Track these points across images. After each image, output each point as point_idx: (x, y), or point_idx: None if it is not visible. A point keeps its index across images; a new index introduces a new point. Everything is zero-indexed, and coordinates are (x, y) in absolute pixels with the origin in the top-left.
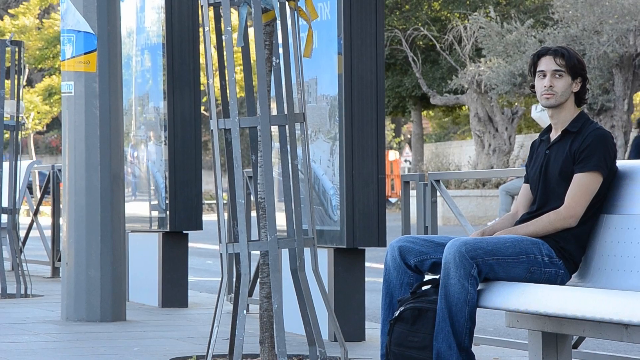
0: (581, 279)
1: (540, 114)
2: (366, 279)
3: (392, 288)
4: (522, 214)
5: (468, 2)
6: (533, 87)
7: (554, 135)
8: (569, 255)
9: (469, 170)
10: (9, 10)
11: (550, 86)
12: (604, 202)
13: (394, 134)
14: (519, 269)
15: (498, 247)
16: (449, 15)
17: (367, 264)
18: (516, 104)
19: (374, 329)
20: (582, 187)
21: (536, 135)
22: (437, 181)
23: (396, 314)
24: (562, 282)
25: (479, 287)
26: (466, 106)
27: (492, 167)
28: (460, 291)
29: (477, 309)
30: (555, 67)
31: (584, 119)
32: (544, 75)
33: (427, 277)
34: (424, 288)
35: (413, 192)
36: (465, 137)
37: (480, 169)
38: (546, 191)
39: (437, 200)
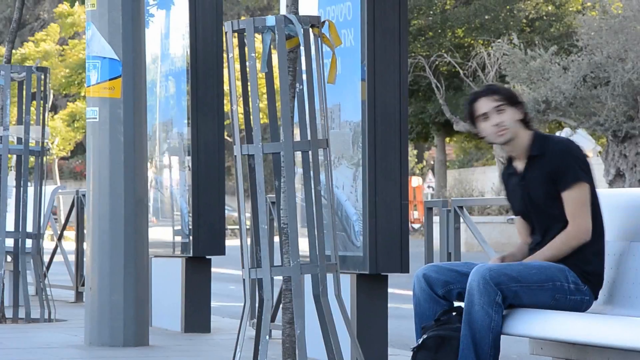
0: (607, 305)
1: None
2: (389, 305)
3: (425, 319)
4: (530, 244)
5: (492, 29)
6: (477, 135)
7: (519, 165)
8: (594, 276)
9: (493, 197)
10: (30, 38)
11: (499, 124)
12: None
13: (416, 160)
14: (544, 295)
15: (523, 273)
16: (472, 42)
17: (389, 290)
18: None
19: (396, 355)
20: (576, 201)
21: None
22: (461, 207)
23: (419, 342)
24: (588, 307)
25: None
26: None
27: None
28: (484, 318)
29: (502, 336)
30: (494, 104)
31: (541, 138)
32: (487, 117)
33: (456, 304)
34: (447, 316)
35: (436, 219)
36: (488, 163)
37: (503, 195)
38: (542, 218)
39: (460, 227)
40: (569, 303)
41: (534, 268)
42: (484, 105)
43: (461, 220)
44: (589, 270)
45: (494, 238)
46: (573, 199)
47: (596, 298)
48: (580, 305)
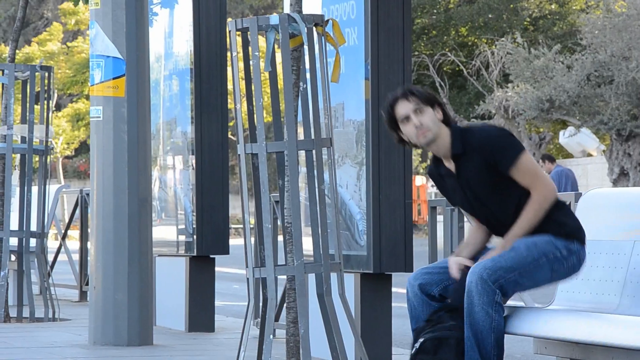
0: (612, 305)
1: (567, 140)
2: (393, 304)
3: (421, 323)
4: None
5: (495, 28)
6: (400, 141)
7: (449, 165)
8: (576, 230)
9: None
10: (33, 39)
11: (420, 124)
12: None
13: (420, 159)
14: (543, 272)
15: (517, 260)
16: (476, 40)
17: (393, 289)
18: (544, 129)
19: (400, 355)
20: (527, 169)
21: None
22: None
23: (416, 346)
24: (582, 263)
25: (505, 313)
26: None
27: None
28: (485, 318)
29: (505, 335)
30: (413, 106)
31: (459, 133)
32: (408, 119)
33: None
34: (438, 315)
35: (440, 217)
36: None
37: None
38: (492, 211)
39: (464, 226)
40: (567, 269)
41: (523, 250)
42: (403, 108)
43: (465, 219)
44: (568, 229)
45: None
46: (523, 169)
47: (585, 250)
48: (577, 266)
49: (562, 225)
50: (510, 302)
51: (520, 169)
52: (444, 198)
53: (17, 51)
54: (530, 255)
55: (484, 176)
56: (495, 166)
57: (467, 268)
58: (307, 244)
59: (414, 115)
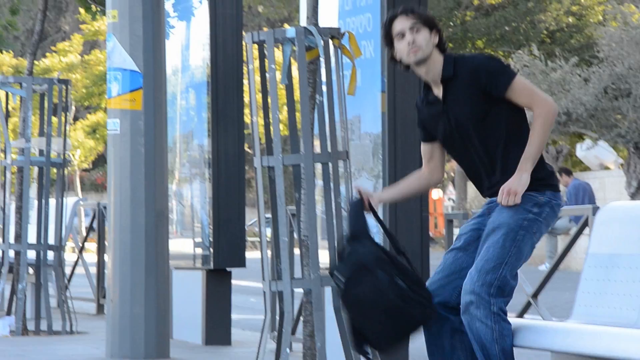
0: (630, 319)
1: (585, 153)
2: None
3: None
4: (485, 184)
5: (512, 40)
6: (392, 58)
7: (437, 91)
8: (542, 177)
9: None
10: (52, 48)
11: (413, 41)
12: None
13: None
14: (526, 244)
15: (499, 253)
16: (492, 53)
17: None
18: (561, 142)
19: None
20: (523, 88)
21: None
22: None
23: (341, 287)
24: (556, 208)
25: (516, 325)
26: None
27: None
28: (486, 331)
29: (523, 350)
30: (410, 24)
31: (451, 58)
32: (403, 35)
33: None
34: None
35: (456, 231)
36: None
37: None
38: (478, 144)
39: None
40: (545, 223)
41: (499, 240)
42: (400, 24)
43: None
44: (536, 182)
45: None
46: (520, 88)
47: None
48: (552, 214)
49: (534, 172)
50: (527, 316)
51: (516, 89)
52: (461, 211)
53: (35, 63)
54: (508, 239)
55: (474, 102)
56: (487, 93)
57: (361, 201)
58: (324, 257)
59: (409, 32)
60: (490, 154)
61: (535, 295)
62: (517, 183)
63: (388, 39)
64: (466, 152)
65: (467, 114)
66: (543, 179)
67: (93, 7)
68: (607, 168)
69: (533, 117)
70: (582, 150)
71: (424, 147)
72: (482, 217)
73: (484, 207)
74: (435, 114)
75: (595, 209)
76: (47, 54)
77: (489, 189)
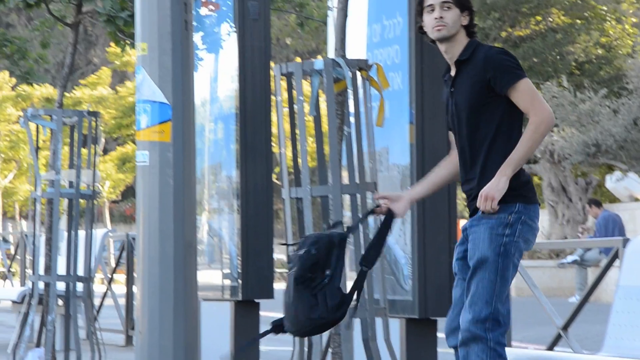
0: None
1: (614, 185)
2: (438, 349)
3: None
4: (461, 179)
5: (541, 72)
6: (421, 28)
7: (452, 72)
8: (512, 189)
9: (543, 241)
10: (81, 81)
11: (441, 17)
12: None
13: (465, 203)
14: (508, 268)
15: (486, 288)
16: None
17: (439, 335)
18: (590, 174)
19: None
20: (526, 92)
21: (612, 206)
22: None
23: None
24: (532, 219)
25: (546, 358)
26: (539, 176)
27: (565, 238)
28: None
29: None
30: (442, 0)
31: (474, 45)
32: (433, 9)
33: None
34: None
35: None
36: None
37: (554, 239)
38: (467, 134)
39: None
40: (523, 239)
41: (482, 274)
42: None
43: None
44: (512, 184)
45: (544, 282)
46: (522, 90)
47: (537, 202)
48: (529, 226)
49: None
50: (557, 349)
51: (519, 90)
52: None
53: (65, 95)
54: (491, 272)
55: (475, 91)
56: (491, 86)
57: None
58: None
59: (439, 7)
60: (474, 146)
61: (565, 328)
62: (495, 188)
63: (419, 8)
64: (460, 138)
65: (465, 99)
66: (514, 189)
67: (122, 40)
68: (637, 199)
69: (528, 123)
70: (612, 182)
71: (450, 132)
72: (463, 244)
73: (462, 234)
74: (446, 95)
75: (626, 241)
76: (78, 86)
77: (464, 183)
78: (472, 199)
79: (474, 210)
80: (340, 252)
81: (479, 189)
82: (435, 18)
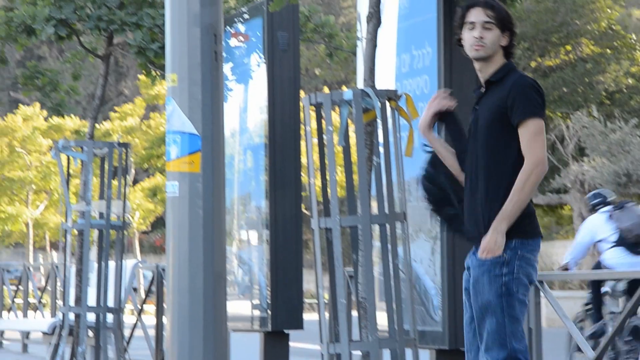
0: None
1: None
2: None
3: None
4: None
5: (571, 101)
6: (459, 41)
7: (483, 89)
8: (526, 219)
9: (574, 271)
10: (117, 108)
11: (481, 37)
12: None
13: None
14: (515, 305)
15: (498, 331)
16: (551, 114)
17: None
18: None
19: None
20: (530, 134)
21: None
22: (541, 282)
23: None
24: (530, 253)
25: None
26: (569, 206)
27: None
28: None
29: None
30: (485, 19)
31: (508, 68)
32: (473, 27)
33: None
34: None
35: None
36: (568, 237)
37: (585, 269)
38: (475, 146)
39: (541, 302)
40: (524, 274)
41: (490, 319)
42: (476, 15)
43: (541, 294)
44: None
45: (575, 313)
46: (529, 130)
47: (538, 236)
48: (527, 260)
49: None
50: None
51: (525, 127)
52: None
53: (96, 126)
54: (498, 314)
55: (495, 114)
56: (508, 116)
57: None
58: (382, 319)
59: (480, 27)
60: (483, 173)
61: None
62: (493, 246)
63: (460, 22)
64: (473, 157)
65: (485, 120)
66: (520, 227)
67: (153, 71)
68: None
69: (521, 170)
70: None
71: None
72: (468, 280)
73: (466, 271)
74: (472, 112)
75: None
76: (109, 117)
77: (463, 208)
78: (472, 222)
79: (470, 233)
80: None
81: (481, 213)
82: (475, 37)
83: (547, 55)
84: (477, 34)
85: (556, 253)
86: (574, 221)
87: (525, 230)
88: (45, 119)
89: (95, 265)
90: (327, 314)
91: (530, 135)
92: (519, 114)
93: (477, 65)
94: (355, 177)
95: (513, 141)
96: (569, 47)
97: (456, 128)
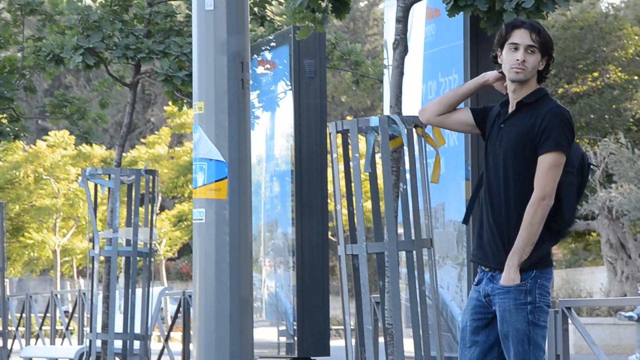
0: None
1: None
2: None
3: None
4: (482, 201)
5: (598, 128)
6: (495, 58)
7: (510, 109)
8: (533, 257)
9: (602, 298)
10: (142, 140)
11: (523, 61)
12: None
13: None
14: (539, 334)
15: (524, 358)
16: (578, 141)
17: None
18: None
19: None
20: (546, 166)
21: None
22: (569, 308)
23: None
24: (546, 283)
25: None
26: (597, 232)
27: (625, 295)
28: None
29: None
30: (529, 43)
31: (542, 93)
32: (516, 49)
33: None
34: None
35: None
36: (596, 263)
37: (612, 296)
38: (498, 169)
39: (569, 328)
40: (544, 303)
41: (516, 348)
42: (521, 37)
43: (569, 321)
44: (531, 255)
45: (603, 340)
46: (544, 163)
47: (552, 264)
48: (545, 288)
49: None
50: None
51: (546, 159)
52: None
53: (123, 155)
54: (525, 343)
55: (524, 139)
56: (535, 142)
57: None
58: (409, 346)
59: (524, 50)
60: (502, 201)
61: None
62: (507, 280)
63: (501, 41)
64: (495, 178)
65: (512, 142)
66: (530, 260)
67: (180, 99)
68: None
69: (529, 203)
70: None
71: (466, 112)
72: (481, 308)
73: (482, 300)
74: (497, 125)
75: None
76: (136, 145)
77: (495, 219)
78: (491, 246)
79: (484, 258)
80: None
81: (501, 236)
82: (517, 59)
83: (575, 82)
84: (520, 57)
85: (584, 280)
86: (602, 248)
87: (542, 261)
88: (76, 147)
89: (123, 292)
90: (353, 341)
91: (546, 168)
92: (547, 145)
93: (512, 86)
94: (382, 203)
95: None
96: (596, 74)
97: None
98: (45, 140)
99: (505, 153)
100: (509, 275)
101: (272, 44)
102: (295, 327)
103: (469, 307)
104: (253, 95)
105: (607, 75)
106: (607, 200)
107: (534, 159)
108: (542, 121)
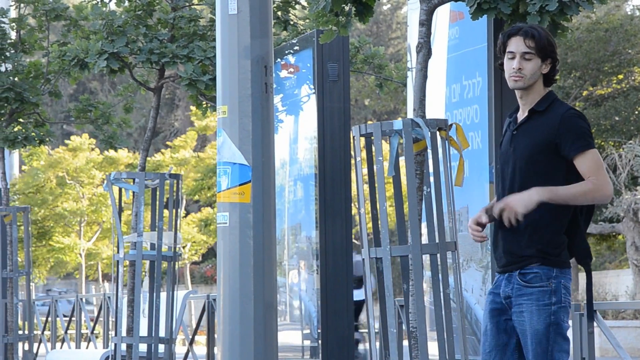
0: None
1: None
2: None
3: None
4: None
5: (623, 131)
6: (501, 65)
7: (521, 115)
8: (556, 247)
9: (627, 301)
10: (168, 143)
11: (519, 69)
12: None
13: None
14: (561, 334)
15: (546, 354)
16: (602, 143)
17: None
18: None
19: None
20: (596, 160)
21: None
22: (594, 311)
23: None
24: (567, 283)
25: None
26: (622, 235)
27: None
28: None
29: None
30: (524, 50)
31: (552, 98)
32: (513, 57)
33: None
34: None
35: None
36: (622, 266)
37: (638, 299)
38: (514, 174)
39: (594, 331)
40: (567, 304)
41: (535, 348)
42: (516, 45)
43: (595, 324)
44: (551, 247)
45: (629, 343)
46: (591, 159)
47: (569, 267)
48: (567, 289)
49: (545, 253)
50: None
51: (587, 158)
52: (573, 303)
53: (147, 159)
54: (546, 343)
55: (539, 145)
56: (555, 148)
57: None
58: (433, 349)
59: (520, 57)
60: (516, 189)
61: None
62: (520, 201)
63: (502, 49)
64: (509, 183)
65: (527, 149)
66: (553, 255)
67: (204, 103)
68: None
69: (588, 181)
70: None
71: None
72: (500, 312)
73: (500, 303)
74: (508, 137)
75: None
76: (160, 149)
77: (504, 230)
78: (506, 251)
79: (505, 266)
80: None
81: (515, 242)
82: (513, 68)
83: (599, 85)
84: (516, 65)
85: (609, 282)
86: (627, 250)
87: (562, 261)
88: (102, 152)
89: (147, 295)
90: (377, 344)
91: (595, 163)
92: (577, 147)
93: (518, 93)
94: (406, 206)
95: (558, 172)
96: (621, 76)
97: None
98: (67, 145)
99: (519, 160)
100: (528, 196)
101: (296, 47)
102: (319, 331)
103: (487, 310)
104: (277, 99)
105: (633, 78)
106: (633, 202)
107: (549, 166)
108: (559, 129)
